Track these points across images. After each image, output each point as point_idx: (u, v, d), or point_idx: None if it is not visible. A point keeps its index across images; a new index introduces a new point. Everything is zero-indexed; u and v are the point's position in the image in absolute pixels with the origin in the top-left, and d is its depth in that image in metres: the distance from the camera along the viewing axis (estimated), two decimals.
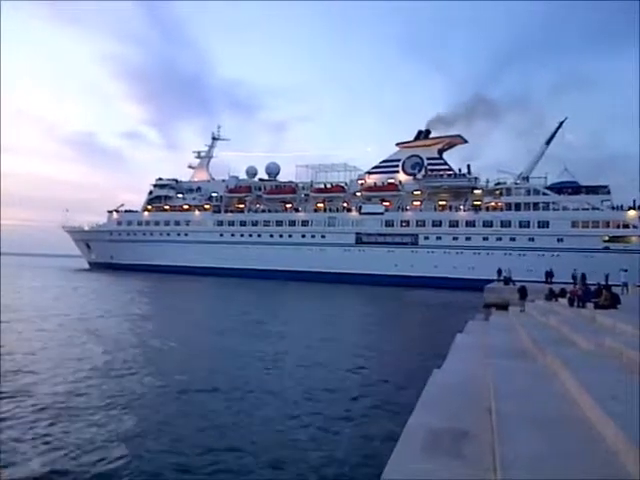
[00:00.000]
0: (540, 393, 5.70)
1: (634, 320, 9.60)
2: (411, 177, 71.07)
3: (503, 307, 25.45)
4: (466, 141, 73.98)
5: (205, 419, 10.28)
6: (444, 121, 75.79)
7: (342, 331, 24.87)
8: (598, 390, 4.85)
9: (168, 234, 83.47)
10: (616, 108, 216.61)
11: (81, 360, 15.28)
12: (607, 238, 58.00)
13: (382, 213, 69.26)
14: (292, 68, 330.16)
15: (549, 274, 36.96)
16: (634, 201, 59.49)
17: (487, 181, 68.71)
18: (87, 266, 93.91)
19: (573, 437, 4.09)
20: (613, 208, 59.46)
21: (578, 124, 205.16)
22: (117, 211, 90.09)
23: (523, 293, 22.71)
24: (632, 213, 58.08)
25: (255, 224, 77.20)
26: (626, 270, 30.28)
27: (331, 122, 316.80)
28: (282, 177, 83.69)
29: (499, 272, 40.62)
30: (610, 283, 23.79)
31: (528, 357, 8.82)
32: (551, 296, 22.81)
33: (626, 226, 57.75)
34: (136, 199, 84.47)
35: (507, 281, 36.07)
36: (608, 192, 60.40)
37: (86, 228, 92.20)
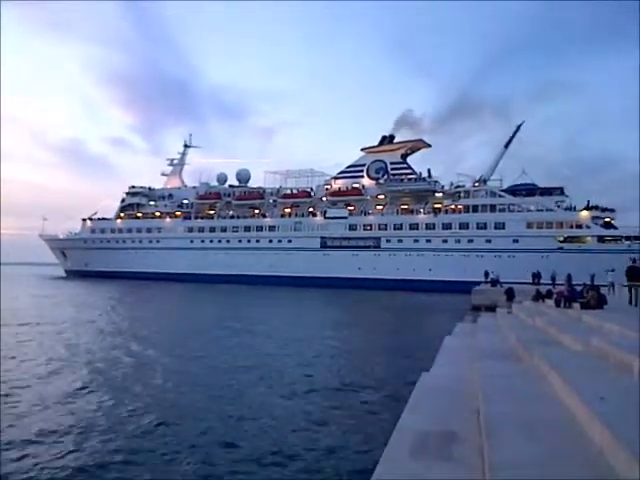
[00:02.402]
0: (528, 394, 5.73)
1: (620, 320, 9.69)
2: (375, 181, 72.22)
3: (491, 309, 25.44)
4: (429, 145, 75.24)
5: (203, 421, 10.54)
6: (419, 123, 77.33)
7: (324, 336, 24.47)
8: (585, 390, 4.82)
9: (140, 241, 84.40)
10: (599, 110, 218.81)
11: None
12: (562, 238, 59.11)
13: (346, 217, 70.37)
14: (280, 73, 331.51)
15: (536, 275, 37.21)
16: (588, 202, 60.79)
17: (451, 184, 69.86)
18: (64, 274, 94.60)
19: (561, 438, 4.10)
20: (567, 209, 60.69)
21: (561, 127, 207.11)
22: (91, 219, 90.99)
23: (510, 295, 22.62)
24: (585, 213, 59.26)
25: (224, 230, 78.30)
26: (613, 270, 29.66)
27: (320, 126, 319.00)
28: (263, 183, 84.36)
29: (486, 274, 40.81)
30: (596, 283, 23.68)
31: (516, 358, 8.86)
32: (538, 297, 22.90)
33: (579, 226, 58.88)
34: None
35: (494, 283, 36.23)
36: (562, 193, 61.63)
37: (61, 236, 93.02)
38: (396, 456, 4.28)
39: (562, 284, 25.83)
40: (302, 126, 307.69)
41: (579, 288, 17.98)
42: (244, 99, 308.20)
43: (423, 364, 10.77)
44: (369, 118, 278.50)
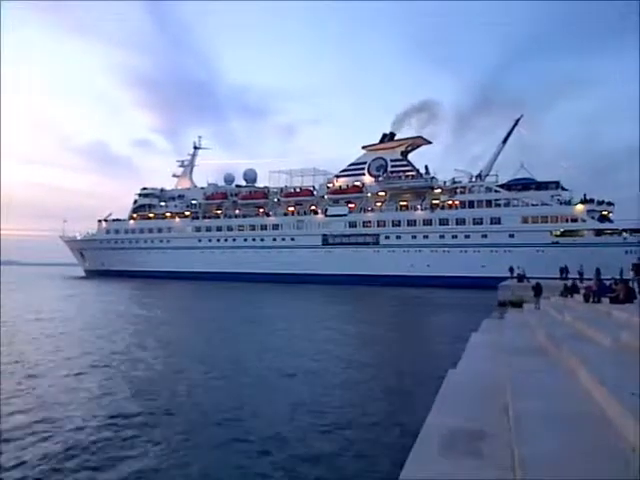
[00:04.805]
0: (557, 390, 5.67)
1: None
2: (375, 179, 73.34)
3: (518, 305, 24.96)
4: (429, 142, 75.85)
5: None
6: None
7: (345, 332, 24.65)
8: (616, 386, 4.76)
9: (152, 241, 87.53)
10: (618, 105, 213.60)
11: None
12: (559, 233, 59.29)
13: (346, 215, 71.76)
14: (300, 71, 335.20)
15: (564, 270, 36.24)
16: (584, 195, 60.79)
17: (453, 180, 70.30)
18: (83, 274, 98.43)
19: (592, 434, 4.07)
20: (563, 203, 60.79)
21: (579, 122, 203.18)
22: (106, 220, 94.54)
23: (538, 290, 22.13)
24: (580, 207, 59.32)
25: (230, 229, 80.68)
26: None
27: (341, 124, 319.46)
28: (269, 183, 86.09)
29: (511, 270, 39.84)
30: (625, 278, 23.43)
31: (544, 354, 8.74)
32: (566, 292, 22.68)
33: (574, 220, 58.99)
34: None
35: (521, 278, 35.34)
36: (557, 187, 61.70)
37: (78, 237, 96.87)
38: (425, 454, 4.27)
39: (590, 279, 25.35)
40: (324, 123, 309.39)
41: (608, 282, 18.01)
42: (265, 98, 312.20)
43: (445, 360, 11.31)
44: (389, 115, 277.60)
